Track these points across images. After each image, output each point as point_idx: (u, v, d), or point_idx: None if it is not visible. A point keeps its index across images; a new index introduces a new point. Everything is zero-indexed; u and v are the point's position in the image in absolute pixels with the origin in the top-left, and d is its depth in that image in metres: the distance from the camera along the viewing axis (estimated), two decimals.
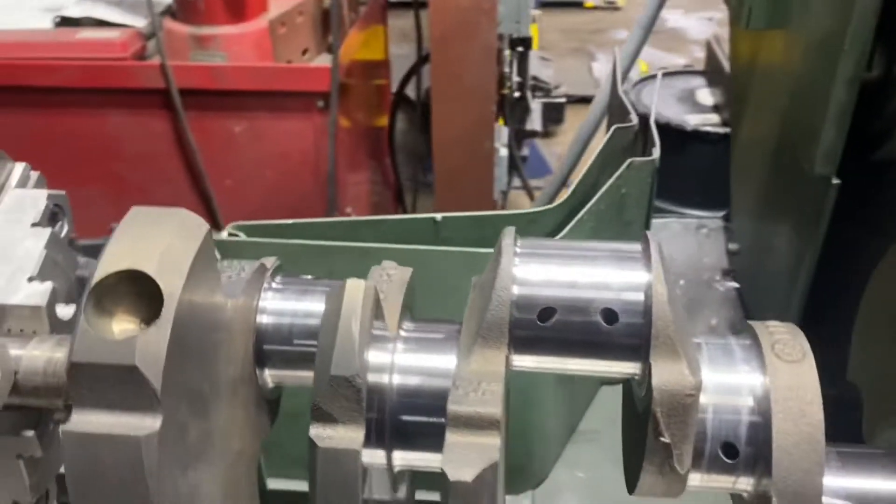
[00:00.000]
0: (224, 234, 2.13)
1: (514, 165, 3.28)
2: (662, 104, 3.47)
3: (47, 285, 0.74)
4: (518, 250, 0.68)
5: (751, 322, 0.75)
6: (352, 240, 1.35)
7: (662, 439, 0.64)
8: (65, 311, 0.76)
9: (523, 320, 0.65)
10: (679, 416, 0.62)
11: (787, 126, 1.72)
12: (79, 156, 2.85)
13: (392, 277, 0.78)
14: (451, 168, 2.71)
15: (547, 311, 0.65)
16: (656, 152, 1.56)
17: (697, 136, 3.25)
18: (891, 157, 1.49)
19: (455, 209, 2.79)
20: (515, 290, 0.65)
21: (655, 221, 2.00)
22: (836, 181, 1.50)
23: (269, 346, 0.81)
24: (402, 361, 0.70)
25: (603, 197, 1.41)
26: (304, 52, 2.87)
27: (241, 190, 2.87)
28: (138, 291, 0.64)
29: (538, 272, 0.67)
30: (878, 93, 1.48)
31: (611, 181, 1.44)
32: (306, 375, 0.84)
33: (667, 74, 3.86)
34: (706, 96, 3.56)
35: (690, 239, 2.29)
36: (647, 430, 0.65)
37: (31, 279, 0.75)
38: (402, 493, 0.76)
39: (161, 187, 2.84)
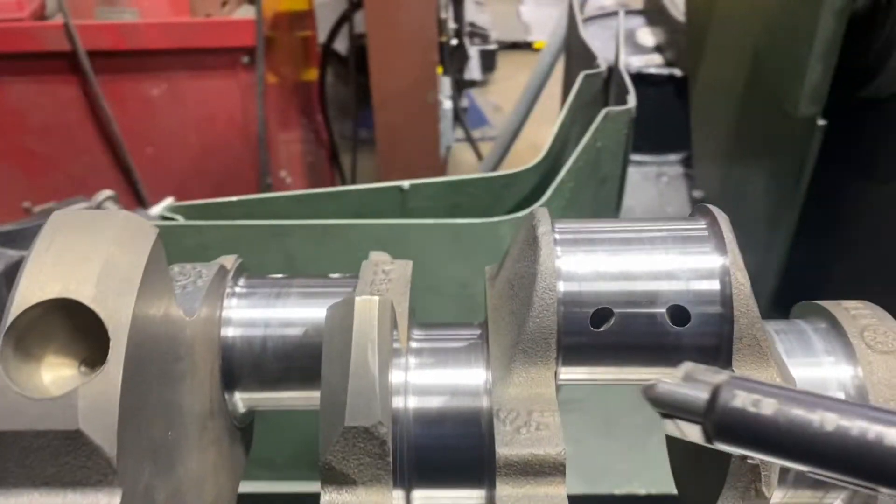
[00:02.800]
0: (155, 210, 1.93)
1: (457, 117, 3.12)
2: (604, 47, 3.36)
3: None
4: (557, 237, 0.54)
5: (820, 302, 0.64)
6: (308, 215, 1.20)
7: (750, 461, 0.53)
8: None
9: (573, 326, 0.52)
10: None
11: (763, 66, 1.62)
12: None
13: (390, 275, 0.63)
14: (393, 124, 2.53)
15: (602, 313, 0.52)
16: (631, 100, 1.43)
17: (641, 78, 3.15)
18: (877, 94, 1.40)
19: (399, 168, 2.63)
20: (561, 287, 0.52)
21: None
22: (822, 122, 1.40)
23: (239, 365, 0.67)
24: (418, 380, 0.56)
25: (581, 154, 1.29)
26: (224, 4, 2.63)
27: (164, 159, 2.63)
28: (74, 324, 0.49)
29: (586, 264, 0.53)
30: (864, 25, 1.38)
31: (587, 136, 1.32)
32: (287, 396, 0.70)
33: (603, 15, 3.75)
34: (646, 37, 3.45)
35: (650, 188, 2.20)
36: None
37: None
38: None
39: (75, 160, 2.57)
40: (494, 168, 2.32)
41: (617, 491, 1.40)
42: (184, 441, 0.58)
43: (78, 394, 0.45)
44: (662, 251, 0.54)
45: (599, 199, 1.48)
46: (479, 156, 3.10)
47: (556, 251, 0.53)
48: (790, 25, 1.46)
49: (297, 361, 0.67)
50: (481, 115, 4.77)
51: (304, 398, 0.70)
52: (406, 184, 1.23)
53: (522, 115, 2.21)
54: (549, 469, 0.47)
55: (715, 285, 0.53)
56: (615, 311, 0.52)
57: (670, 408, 0.39)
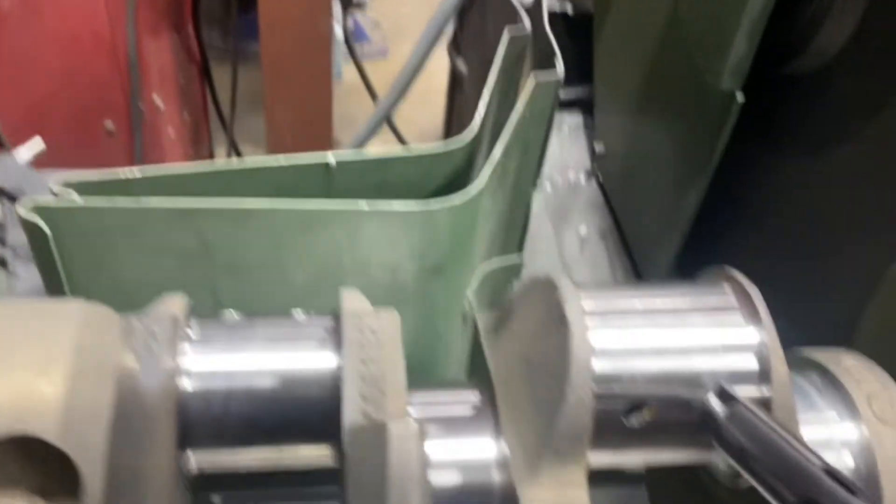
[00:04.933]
0: (23, 156, 1.70)
1: (346, 41, 2.94)
2: None
3: None
4: (587, 321, 0.49)
5: (815, 355, 0.63)
6: (222, 193, 1.08)
7: None
8: None
9: (604, 417, 0.48)
10: None
11: (684, 29, 1.60)
12: None
13: (379, 335, 0.56)
14: (282, 52, 2.35)
15: (637, 406, 0.48)
16: (559, 64, 1.37)
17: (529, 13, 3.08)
18: (799, 71, 1.42)
19: (287, 101, 2.46)
20: (594, 386, 0.47)
21: None
22: (741, 99, 1.41)
23: (196, 422, 0.58)
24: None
25: (516, 125, 1.23)
26: None
27: (20, 83, 2.33)
28: (29, 454, 0.39)
29: (619, 352, 0.49)
30: (790, 1, 1.38)
31: (519, 106, 1.25)
32: (248, 457, 0.63)
33: None
34: None
35: (552, 137, 2.17)
36: None
37: None
38: None
39: None
40: (389, 109, 2.21)
41: None
42: None
43: None
44: (696, 329, 0.50)
45: (522, 167, 1.43)
46: (370, 87, 2.94)
47: (586, 337, 0.48)
48: None
49: (265, 418, 0.60)
50: (362, 31, 4.58)
51: (266, 457, 0.62)
52: (332, 160, 1.13)
53: (411, 74, 2.09)
54: None
55: (755, 376, 0.49)
56: (651, 403, 0.48)
57: None
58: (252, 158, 1.11)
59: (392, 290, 1.15)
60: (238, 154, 3.28)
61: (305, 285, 1.11)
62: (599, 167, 2.08)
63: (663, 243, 1.70)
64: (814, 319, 1.50)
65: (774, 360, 0.49)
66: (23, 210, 0.93)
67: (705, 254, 1.68)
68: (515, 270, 1.50)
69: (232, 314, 0.63)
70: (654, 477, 0.66)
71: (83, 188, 1.03)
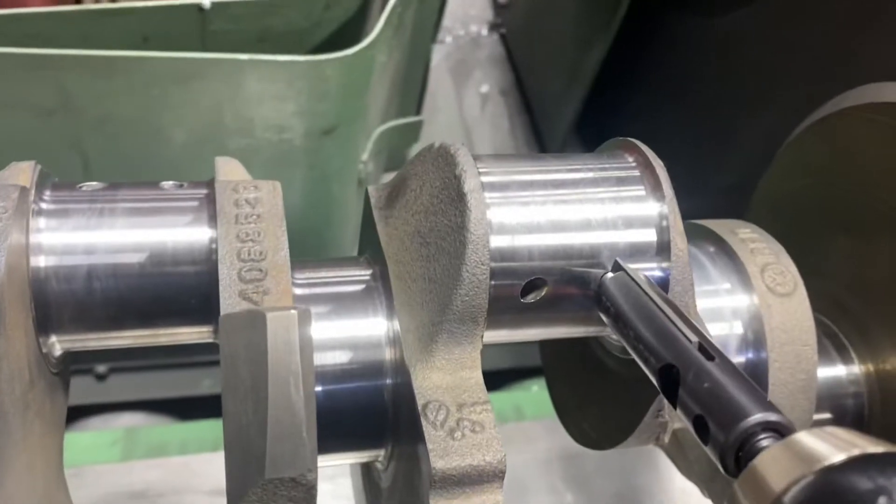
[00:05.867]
0: None
1: None
2: None
3: None
4: (486, 195, 0.45)
5: (710, 224, 0.62)
6: (85, 41, 0.96)
7: (660, 419, 0.51)
8: None
9: (501, 298, 0.45)
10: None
11: None
12: None
13: (257, 208, 0.51)
14: None
15: (533, 284, 0.46)
16: None
17: None
18: None
19: None
20: (492, 261, 0.44)
21: None
22: None
23: (57, 305, 0.53)
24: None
25: None
26: None
27: None
28: None
29: (518, 227, 0.45)
30: None
31: None
32: (119, 336, 0.58)
33: None
34: None
35: None
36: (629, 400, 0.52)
37: None
38: None
39: None
40: None
41: None
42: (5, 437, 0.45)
43: None
44: (592, 202, 0.47)
45: (420, 17, 1.34)
46: None
47: (486, 215, 0.44)
48: None
49: (135, 298, 0.54)
50: None
51: (141, 336, 0.58)
52: (207, 1, 1.02)
53: None
54: (488, 477, 0.42)
55: (653, 250, 0.47)
56: (548, 282, 0.46)
57: None
58: (115, 5, 0.98)
59: (279, 152, 1.08)
60: None
61: (185, 146, 1.02)
62: (503, 19, 1.99)
63: (564, 102, 1.67)
64: (708, 186, 1.53)
65: (674, 234, 0.47)
66: None
67: (605, 115, 1.66)
68: (415, 129, 1.44)
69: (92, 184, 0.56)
70: (545, 343, 0.65)
71: None
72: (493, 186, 0.46)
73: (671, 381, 0.38)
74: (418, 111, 1.54)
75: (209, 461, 1.08)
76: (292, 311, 0.36)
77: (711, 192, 1.35)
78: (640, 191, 0.49)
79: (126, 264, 0.53)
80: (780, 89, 1.28)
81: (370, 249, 0.54)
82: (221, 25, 1.04)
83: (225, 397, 0.36)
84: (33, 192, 0.52)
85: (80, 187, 0.56)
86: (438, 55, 1.91)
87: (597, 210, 0.47)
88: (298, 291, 0.50)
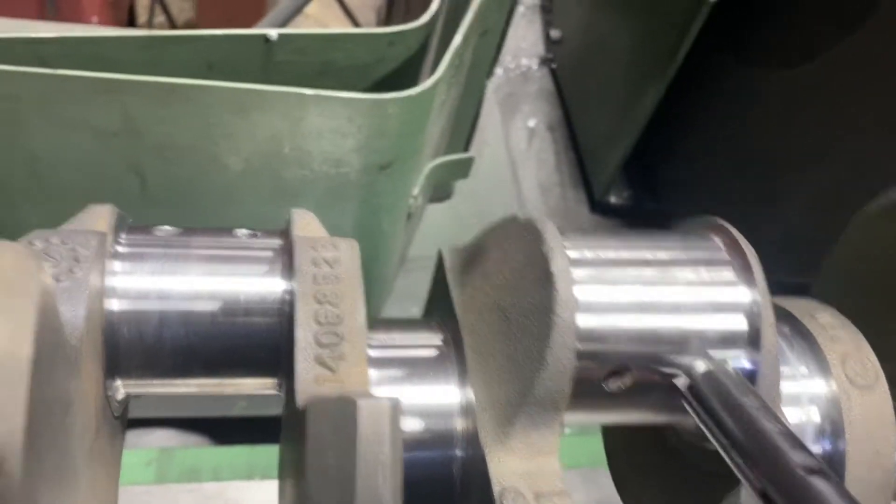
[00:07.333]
0: None
1: None
2: None
3: None
4: (573, 275, 0.44)
5: (786, 304, 0.60)
6: (148, 67, 0.97)
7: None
8: None
9: (583, 381, 0.44)
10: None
11: None
12: None
13: (336, 269, 0.50)
14: None
15: (617, 369, 0.45)
16: None
17: None
18: None
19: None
20: (578, 344, 0.43)
21: None
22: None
23: (126, 349, 0.52)
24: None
25: (479, 6, 1.14)
26: None
27: None
28: None
29: (606, 307, 0.44)
30: None
31: None
32: (180, 384, 0.57)
33: None
34: None
35: None
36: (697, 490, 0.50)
37: None
38: None
39: None
40: None
41: None
42: (75, 493, 0.44)
43: None
44: (686, 287, 0.46)
45: (478, 54, 1.34)
46: None
47: (573, 297, 0.43)
48: None
49: (204, 347, 0.54)
50: None
51: (206, 385, 0.57)
52: (273, 32, 1.02)
53: None
54: None
55: (743, 340, 0.46)
56: (632, 366, 0.45)
57: None
58: (182, 32, 0.99)
59: (334, 185, 1.07)
60: (162, 5, 3.02)
61: (241, 174, 1.02)
62: (554, 54, 1.99)
63: (613, 142, 1.66)
64: (754, 238, 1.51)
65: (766, 326, 0.46)
66: None
67: (653, 157, 1.65)
68: (465, 165, 1.44)
69: (165, 229, 0.56)
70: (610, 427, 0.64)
71: None
72: (578, 263, 0.45)
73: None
74: (467, 145, 1.54)
75: (244, 489, 1.08)
76: (385, 402, 0.35)
77: (756, 245, 1.31)
78: (729, 275, 0.47)
79: (198, 312, 0.53)
80: (838, 148, 1.26)
81: (440, 313, 0.53)
82: (285, 57, 1.05)
83: (309, 482, 0.35)
84: (111, 236, 0.52)
85: (155, 231, 0.56)
86: (488, 87, 1.90)
87: (686, 293, 0.46)
88: (372, 353, 0.49)
